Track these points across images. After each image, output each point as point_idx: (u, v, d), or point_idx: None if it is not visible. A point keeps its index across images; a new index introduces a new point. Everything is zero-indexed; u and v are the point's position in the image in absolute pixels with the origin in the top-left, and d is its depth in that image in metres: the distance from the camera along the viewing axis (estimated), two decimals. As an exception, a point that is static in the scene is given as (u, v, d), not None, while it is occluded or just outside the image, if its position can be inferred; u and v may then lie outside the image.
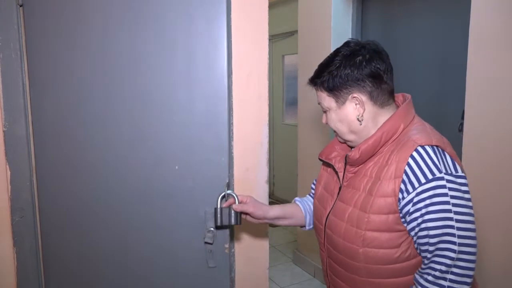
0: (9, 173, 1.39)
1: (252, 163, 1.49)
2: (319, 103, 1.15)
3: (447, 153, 1.00)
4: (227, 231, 1.40)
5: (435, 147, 0.98)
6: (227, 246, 1.41)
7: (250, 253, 1.61)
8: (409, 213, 0.97)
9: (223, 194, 1.31)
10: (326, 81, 1.07)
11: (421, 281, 0.98)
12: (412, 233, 0.99)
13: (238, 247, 1.56)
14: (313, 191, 1.40)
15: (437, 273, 0.95)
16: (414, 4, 2.51)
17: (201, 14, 1.32)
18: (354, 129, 1.09)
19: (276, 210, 1.31)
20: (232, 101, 1.48)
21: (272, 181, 5.31)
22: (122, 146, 1.37)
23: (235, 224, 1.28)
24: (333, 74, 1.06)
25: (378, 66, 1.04)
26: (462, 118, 2.06)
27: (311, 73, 1.16)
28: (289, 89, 5.01)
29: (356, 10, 2.85)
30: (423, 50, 2.45)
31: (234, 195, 1.29)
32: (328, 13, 2.85)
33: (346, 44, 1.09)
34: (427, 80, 2.42)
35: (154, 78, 1.35)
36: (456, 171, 0.97)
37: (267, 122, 1.53)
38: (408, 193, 0.96)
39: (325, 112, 1.14)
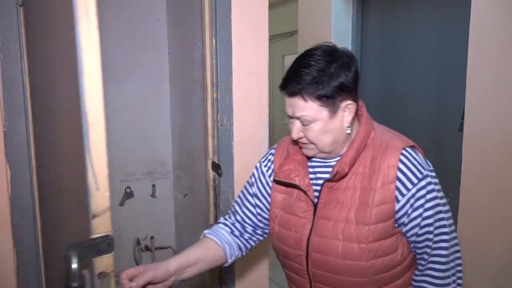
0: (9, 173, 1.39)
1: (252, 163, 1.49)
2: (294, 116, 0.98)
3: (417, 150, 1.03)
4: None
5: (412, 148, 1.01)
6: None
7: (250, 253, 1.61)
8: (407, 214, 0.98)
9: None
10: (317, 89, 0.93)
11: (428, 278, 1.00)
12: (411, 232, 0.99)
13: (238, 247, 1.56)
14: (240, 210, 1.18)
15: (440, 266, 0.98)
16: (414, 4, 2.51)
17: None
18: (338, 139, 1.00)
19: (176, 260, 1.03)
20: (232, 101, 1.47)
21: (272, 181, 5.29)
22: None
23: None
24: (325, 80, 0.93)
25: (356, 70, 0.98)
26: (462, 118, 2.05)
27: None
28: (289, 89, 4.99)
29: (356, 10, 2.84)
30: (423, 50, 2.45)
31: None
32: (328, 13, 2.84)
33: (318, 48, 0.99)
34: (427, 80, 2.42)
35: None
36: (429, 165, 1.02)
37: (267, 122, 1.53)
38: (403, 195, 0.97)
39: (302, 124, 0.98)
